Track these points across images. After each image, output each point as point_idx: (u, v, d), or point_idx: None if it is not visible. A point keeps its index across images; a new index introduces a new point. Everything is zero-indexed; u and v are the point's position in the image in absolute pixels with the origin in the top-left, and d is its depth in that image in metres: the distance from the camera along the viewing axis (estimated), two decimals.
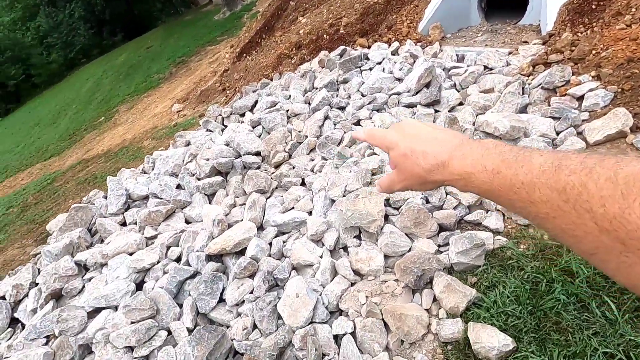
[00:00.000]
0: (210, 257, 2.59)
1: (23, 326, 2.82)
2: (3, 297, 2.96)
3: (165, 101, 10.77)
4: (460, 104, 3.27)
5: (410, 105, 3.42)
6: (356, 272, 2.20)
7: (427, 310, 1.97)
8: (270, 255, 2.49)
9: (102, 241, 3.29)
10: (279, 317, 2.09)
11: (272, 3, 11.03)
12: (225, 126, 4.64)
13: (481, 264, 2.06)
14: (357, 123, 3.52)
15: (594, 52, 2.92)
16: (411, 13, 4.72)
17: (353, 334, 1.93)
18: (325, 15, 6.60)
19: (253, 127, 3.93)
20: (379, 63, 4.28)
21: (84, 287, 2.80)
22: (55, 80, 21.61)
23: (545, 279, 1.82)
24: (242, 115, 4.74)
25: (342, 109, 3.84)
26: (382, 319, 1.94)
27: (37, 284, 3.05)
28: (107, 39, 23.66)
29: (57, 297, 2.79)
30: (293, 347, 1.95)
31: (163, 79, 12.84)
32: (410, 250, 2.24)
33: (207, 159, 3.48)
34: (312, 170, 3.23)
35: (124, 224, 3.48)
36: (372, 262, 2.20)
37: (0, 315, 2.82)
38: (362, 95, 3.82)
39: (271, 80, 5.53)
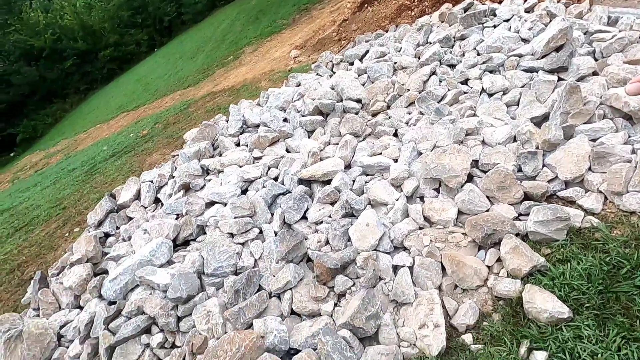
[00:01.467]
0: (301, 181, 3.00)
1: (162, 205, 3.75)
2: (151, 181, 3.92)
3: (285, 47, 11.40)
4: (594, 73, 2.87)
5: (529, 70, 3.13)
6: (426, 219, 2.34)
7: (488, 267, 2.04)
8: (351, 190, 2.77)
9: (220, 154, 4.01)
10: (349, 239, 2.40)
11: None
12: (334, 72, 4.88)
13: (560, 238, 1.99)
14: (465, 82, 3.39)
15: None
16: None
17: (411, 268, 2.13)
18: None
19: (359, 75, 4.09)
20: (506, 20, 3.89)
21: (204, 185, 3.54)
22: (199, 19, 24.49)
23: (630, 265, 1.71)
24: (351, 63, 4.90)
25: (452, 66, 3.70)
26: (441, 262, 2.08)
27: (173, 177, 3.94)
28: None
29: (186, 188, 3.59)
30: (355, 265, 2.26)
31: (286, 25, 13.45)
32: (487, 211, 2.27)
33: (313, 99, 3.81)
34: (406, 123, 3.31)
35: (237, 144, 4.14)
36: (443, 213, 2.30)
37: (150, 193, 3.78)
38: (478, 54, 3.60)
39: (386, 32, 5.48)
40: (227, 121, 4.63)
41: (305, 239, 2.58)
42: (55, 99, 29.00)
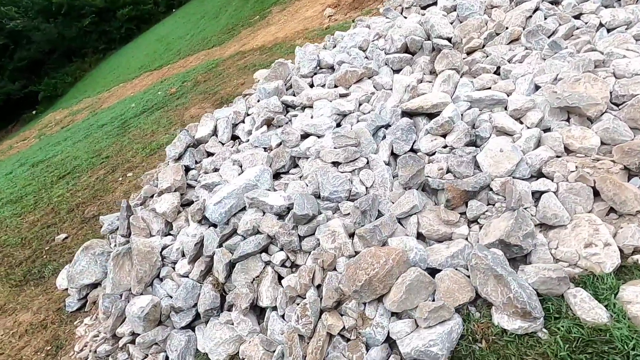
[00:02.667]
0: (404, 114, 2.86)
1: (240, 142, 3.67)
2: (227, 118, 3.82)
3: (316, 6, 11.01)
4: None
5: None
6: (565, 147, 2.21)
7: None
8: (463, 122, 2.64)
9: (294, 94, 3.87)
10: (476, 166, 2.29)
11: None
12: (405, 17, 4.61)
13: None
14: (577, 17, 3.14)
15: None
16: None
17: (555, 193, 2.03)
18: None
19: (447, 13, 3.83)
20: None
21: (289, 120, 3.43)
22: None
23: None
24: (424, 7, 4.61)
25: (556, 3, 3.43)
26: (592, 187, 1.97)
27: (249, 114, 3.84)
28: None
29: (269, 124, 3.50)
30: (489, 191, 2.16)
31: None
32: (631, 141, 2.12)
33: (401, 36, 3.60)
34: (508, 61, 3.10)
35: (311, 85, 3.99)
36: (585, 141, 2.16)
37: (227, 129, 3.70)
38: None
39: None
40: (292, 63, 4.46)
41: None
42: (75, 58, 28.83)
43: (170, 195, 3.14)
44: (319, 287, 2.10)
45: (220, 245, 2.46)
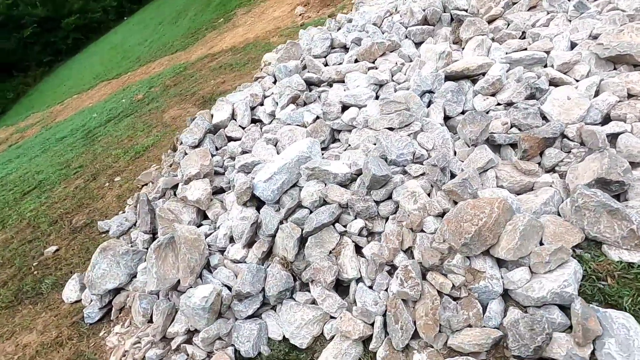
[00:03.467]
0: (447, 78, 2.81)
1: (262, 124, 3.45)
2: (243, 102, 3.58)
3: (283, 6, 11.04)
4: None
5: None
6: (627, 91, 2.25)
7: None
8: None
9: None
10: (543, 118, 2.27)
11: None
12: None
13: None
14: None
15: None
16: None
17: (630, 132, 2.04)
18: None
19: None
20: None
21: (318, 96, 3.27)
22: None
23: None
24: None
25: None
26: None
27: (266, 97, 3.63)
28: None
29: (295, 101, 3.31)
30: (564, 138, 2.14)
31: None
32: None
33: (420, 8, 3.58)
34: (532, 25, 3.17)
35: (325, 65, 3.85)
36: None
37: (247, 112, 3.47)
38: None
39: None
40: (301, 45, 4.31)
41: None
42: (16, 72, 26.49)
43: (200, 182, 2.86)
44: (407, 250, 1.96)
45: (282, 222, 2.24)
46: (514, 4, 3.49)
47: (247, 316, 2.13)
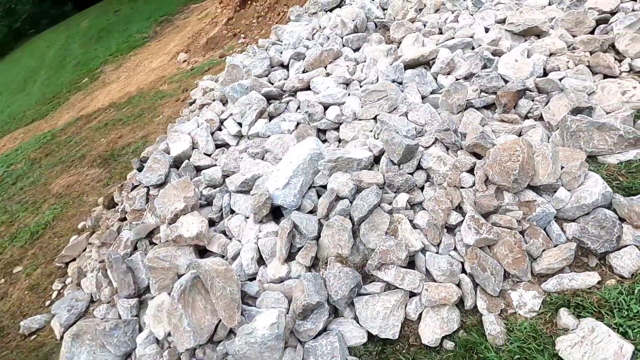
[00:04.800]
0: (406, 67, 3.11)
1: (227, 147, 3.21)
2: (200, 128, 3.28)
3: (161, 56, 10.96)
4: None
5: None
6: (549, 51, 2.85)
7: None
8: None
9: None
10: (504, 81, 2.70)
11: None
12: (327, 11, 5.02)
13: None
14: None
15: None
16: None
17: (568, 77, 2.59)
18: None
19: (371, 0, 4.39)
20: None
21: (286, 106, 3.22)
22: (5, 52, 20.71)
23: None
24: (329, 10, 5.14)
25: None
26: (588, 65, 2.61)
27: (223, 120, 3.41)
28: (56, 9, 22.69)
29: (261, 115, 3.18)
30: (526, 91, 2.58)
31: (148, 38, 13.08)
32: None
33: (350, 20, 3.93)
34: (444, 22, 3.80)
35: (269, 82, 3.85)
36: (555, 46, 2.85)
37: (208, 137, 3.18)
38: None
39: None
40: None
41: None
42: None
43: (190, 216, 2.46)
44: (457, 208, 2.04)
45: (326, 217, 2.08)
46: (421, 10, 4.13)
47: (317, 333, 1.87)
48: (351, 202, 2.10)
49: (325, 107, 2.93)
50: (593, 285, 1.64)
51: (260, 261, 2.20)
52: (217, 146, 3.25)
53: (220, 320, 1.92)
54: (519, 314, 1.69)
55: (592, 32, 2.95)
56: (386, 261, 1.90)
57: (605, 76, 2.59)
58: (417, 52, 3.11)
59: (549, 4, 3.40)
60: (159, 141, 3.76)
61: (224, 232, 2.49)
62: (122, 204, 3.37)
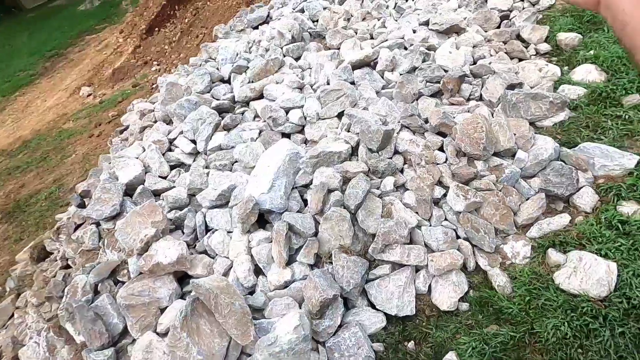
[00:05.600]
0: (354, 68, 3.28)
1: (183, 167, 2.99)
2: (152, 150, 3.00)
3: (57, 93, 10.11)
4: None
5: None
6: (473, 44, 3.27)
7: None
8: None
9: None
10: (444, 71, 3.01)
11: None
12: (255, 28, 5.05)
13: None
14: None
15: None
16: None
17: (494, 62, 3.00)
18: None
19: (301, 13, 4.54)
20: None
21: (242, 116, 3.13)
22: None
23: None
24: (256, 27, 5.21)
25: None
26: (506, 53, 3.06)
27: (173, 139, 3.17)
28: None
29: (217, 129, 3.05)
30: (466, 78, 2.91)
31: (37, 75, 11.93)
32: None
33: (287, 30, 4.01)
34: (373, 28, 4.12)
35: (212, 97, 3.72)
36: (474, 39, 3.30)
37: (161, 158, 2.92)
38: None
39: (263, 4, 6.03)
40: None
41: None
42: None
43: (164, 242, 2.22)
44: (438, 183, 2.19)
45: (320, 213, 2.05)
46: (349, 19, 4.41)
47: (335, 329, 1.82)
48: (342, 193, 2.11)
49: (287, 112, 2.92)
50: (566, 224, 1.89)
51: (257, 271, 2.07)
52: (172, 167, 3.00)
53: (230, 341, 1.75)
54: (516, 263, 1.87)
55: (498, 27, 3.49)
56: (389, 242, 1.94)
57: (520, 59, 3.07)
58: (361, 54, 3.30)
59: (459, 7, 3.93)
60: (93, 175, 3.33)
61: (205, 252, 2.28)
62: (59, 251, 2.89)
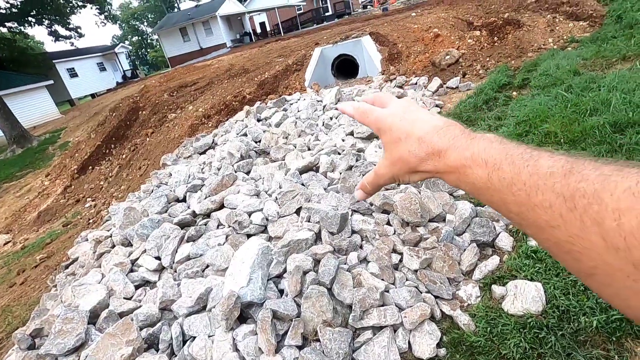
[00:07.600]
0: (301, 172, 3.85)
1: (149, 284, 2.99)
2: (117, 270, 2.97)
3: None
4: None
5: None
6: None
7: None
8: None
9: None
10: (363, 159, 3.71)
11: (106, 122, 12.32)
12: (201, 154, 5.59)
13: None
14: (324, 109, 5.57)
15: (407, 70, 6.31)
16: (297, 78, 7.46)
17: None
18: (220, 96, 8.54)
19: (244, 137, 5.26)
20: (297, 100, 6.60)
21: (206, 227, 3.34)
22: None
23: None
24: (202, 153, 5.83)
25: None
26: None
27: (136, 259, 3.21)
28: None
29: (182, 241, 3.19)
30: None
31: None
32: None
33: (237, 150, 4.61)
34: (309, 142, 4.95)
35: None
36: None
37: (125, 279, 2.90)
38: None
39: (206, 133, 6.80)
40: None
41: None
42: None
43: (144, 359, 2.15)
44: (392, 251, 2.58)
45: (299, 295, 2.23)
46: (287, 137, 5.24)
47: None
48: (316, 273, 2.36)
49: (249, 215, 3.24)
50: (498, 263, 2.35)
51: None
52: (136, 287, 2.96)
53: None
54: (471, 303, 2.20)
55: None
56: (366, 307, 2.17)
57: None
58: (305, 161, 3.94)
59: None
60: (36, 317, 3.09)
61: None
62: None
